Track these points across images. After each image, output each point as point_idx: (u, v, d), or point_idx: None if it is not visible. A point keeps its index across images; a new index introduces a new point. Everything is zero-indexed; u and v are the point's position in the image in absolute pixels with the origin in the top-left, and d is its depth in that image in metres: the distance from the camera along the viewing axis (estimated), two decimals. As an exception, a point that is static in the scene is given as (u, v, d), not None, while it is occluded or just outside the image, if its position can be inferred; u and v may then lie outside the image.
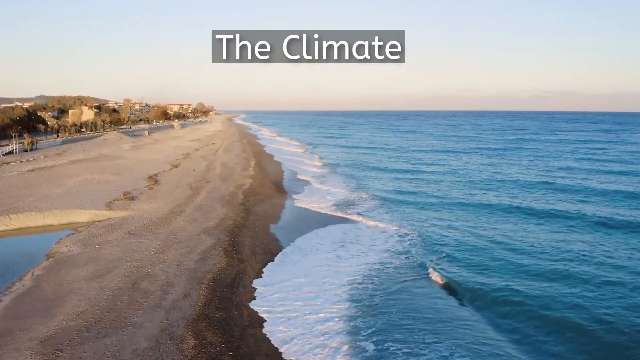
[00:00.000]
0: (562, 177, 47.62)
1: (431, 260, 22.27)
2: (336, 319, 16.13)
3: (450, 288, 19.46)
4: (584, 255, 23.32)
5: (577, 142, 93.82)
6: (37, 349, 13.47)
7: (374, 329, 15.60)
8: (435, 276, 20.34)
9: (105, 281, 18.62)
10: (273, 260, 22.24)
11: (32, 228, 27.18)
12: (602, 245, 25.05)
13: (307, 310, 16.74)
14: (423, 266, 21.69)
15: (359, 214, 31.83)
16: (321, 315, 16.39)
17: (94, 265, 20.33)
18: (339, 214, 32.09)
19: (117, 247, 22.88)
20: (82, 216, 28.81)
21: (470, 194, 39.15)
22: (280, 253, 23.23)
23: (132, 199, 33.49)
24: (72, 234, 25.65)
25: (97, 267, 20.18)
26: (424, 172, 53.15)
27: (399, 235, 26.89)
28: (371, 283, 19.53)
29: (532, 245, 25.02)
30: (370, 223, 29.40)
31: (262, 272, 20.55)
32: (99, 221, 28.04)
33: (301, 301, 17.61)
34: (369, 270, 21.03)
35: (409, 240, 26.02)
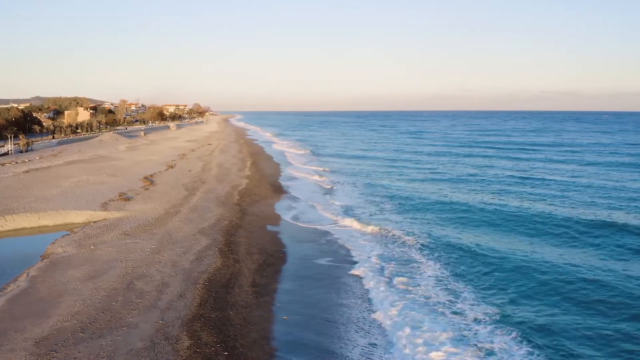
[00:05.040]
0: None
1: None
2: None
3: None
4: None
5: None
6: (31, 350, 13.45)
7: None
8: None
9: (101, 282, 18.60)
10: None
11: (27, 229, 27.13)
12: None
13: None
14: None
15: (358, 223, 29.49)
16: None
17: (89, 266, 20.30)
18: (336, 222, 31.72)
19: (112, 248, 22.86)
20: (77, 217, 28.76)
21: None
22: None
23: (128, 199, 33.44)
24: (68, 234, 25.61)
25: (93, 267, 20.16)
26: (415, 179, 53.00)
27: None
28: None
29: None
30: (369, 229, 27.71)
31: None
32: (94, 222, 28.01)
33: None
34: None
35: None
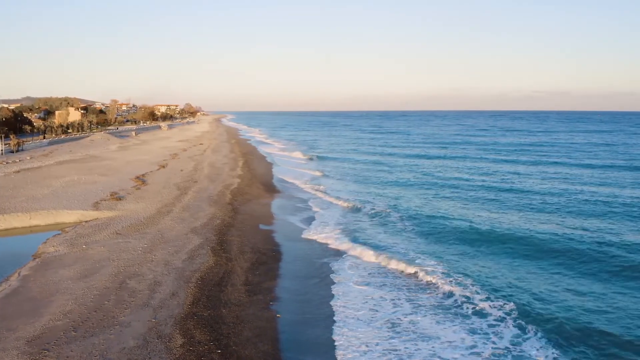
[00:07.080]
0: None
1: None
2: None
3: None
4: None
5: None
6: (24, 349, 13.41)
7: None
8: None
9: (93, 281, 18.55)
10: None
11: (18, 229, 26.98)
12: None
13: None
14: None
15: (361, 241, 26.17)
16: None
17: (81, 265, 20.24)
18: (331, 222, 31.70)
19: (104, 247, 22.79)
20: (69, 217, 28.63)
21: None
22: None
23: (120, 199, 33.33)
24: (59, 234, 25.49)
25: (84, 267, 20.09)
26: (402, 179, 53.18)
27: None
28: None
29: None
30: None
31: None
32: (86, 221, 27.90)
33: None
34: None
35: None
